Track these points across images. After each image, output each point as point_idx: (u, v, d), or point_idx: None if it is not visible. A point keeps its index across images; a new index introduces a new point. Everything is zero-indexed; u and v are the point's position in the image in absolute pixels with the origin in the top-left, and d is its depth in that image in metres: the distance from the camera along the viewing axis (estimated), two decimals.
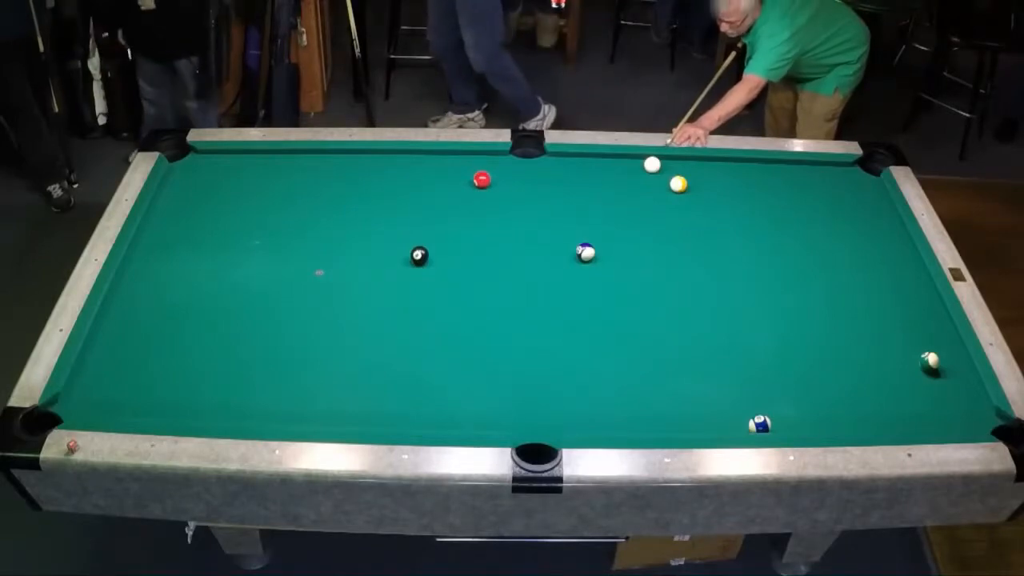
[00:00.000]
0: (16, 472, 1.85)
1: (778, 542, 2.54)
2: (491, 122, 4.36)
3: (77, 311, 2.12)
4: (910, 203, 2.57)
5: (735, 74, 3.25)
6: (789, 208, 2.60)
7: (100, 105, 4.12)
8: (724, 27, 3.11)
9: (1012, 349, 2.13)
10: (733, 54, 3.24)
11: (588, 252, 2.35)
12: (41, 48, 3.61)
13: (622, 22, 4.98)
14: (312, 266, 2.33)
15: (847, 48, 3.21)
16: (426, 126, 4.27)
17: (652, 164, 2.68)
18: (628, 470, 1.85)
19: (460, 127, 4.28)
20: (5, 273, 3.49)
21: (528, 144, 2.74)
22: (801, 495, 1.90)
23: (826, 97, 3.30)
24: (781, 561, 2.56)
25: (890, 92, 4.58)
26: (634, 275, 2.35)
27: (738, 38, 3.17)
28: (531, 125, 4.08)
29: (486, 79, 4.10)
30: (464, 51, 3.97)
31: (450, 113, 4.35)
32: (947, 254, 2.39)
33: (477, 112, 4.35)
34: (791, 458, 1.87)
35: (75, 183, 3.89)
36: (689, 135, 2.81)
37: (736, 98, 3.03)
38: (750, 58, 3.12)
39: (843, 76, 3.26)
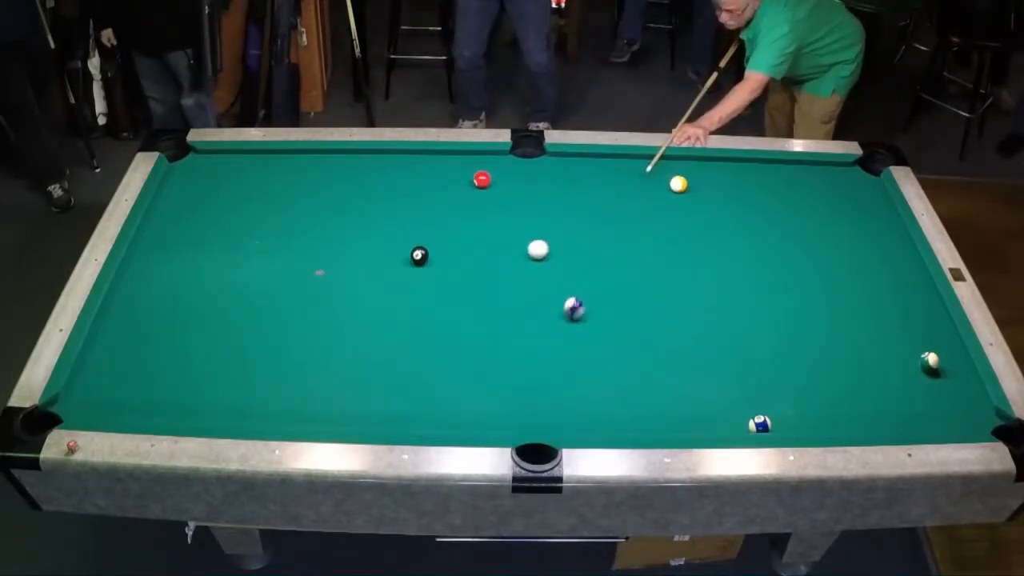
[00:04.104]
0: (16, 472, 1.85)
1: (778, 542, 2.54)
2: (491, 122, 4.37)
3: (77, 311, 2.12)
4: (910, 203, 2.57)
5: (734, 77, 3.24)
6: (789, 208, 2.60)
7: (100, 105, 4.12)
8: (724, 17, 3.08)
9: (1012, 349, 2.13)
10: (732, 50, 3.23)
11: (579, 312, 2.18)
12: (52, 45, 3.65)
13: (621, 21, 4.97)
14: (312, 266, 2.33)
15: (843, 46, 3.20)
16: (426, 126, 4.26)
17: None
18: (628, 470, 1.85)
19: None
20: (5, 273, 3.49)
21: (528, 144, 2.74)
22: (801, 495, 1.90)
23: (823, 99, 3.30)
24: (781, 561, 2.56)
25: (890, 92, 4.58)
26: (634, 275, 2.35)
27: (738, 31, 3.15)
28: (541, 126, 4.08)
29: (537, 79, 4.15)
30: (483, 60, 4.08)
31: (463, 122, 4.34)
32: (947, 254, 2.39)
33: (483, 114, 4.36)
34: (791, 458, 1.87)
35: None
36: (689, 135, 2.81)
37: (738, 98, 3.01)
38: (750, 55, 3.11)
39: (840, 77, 3.25)
